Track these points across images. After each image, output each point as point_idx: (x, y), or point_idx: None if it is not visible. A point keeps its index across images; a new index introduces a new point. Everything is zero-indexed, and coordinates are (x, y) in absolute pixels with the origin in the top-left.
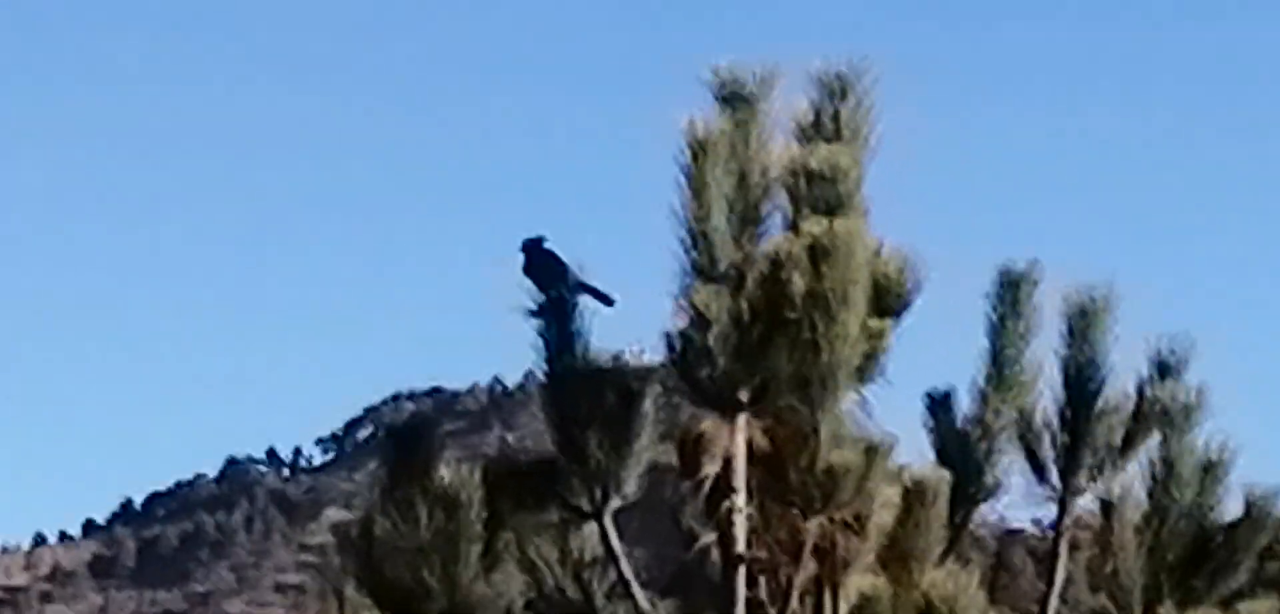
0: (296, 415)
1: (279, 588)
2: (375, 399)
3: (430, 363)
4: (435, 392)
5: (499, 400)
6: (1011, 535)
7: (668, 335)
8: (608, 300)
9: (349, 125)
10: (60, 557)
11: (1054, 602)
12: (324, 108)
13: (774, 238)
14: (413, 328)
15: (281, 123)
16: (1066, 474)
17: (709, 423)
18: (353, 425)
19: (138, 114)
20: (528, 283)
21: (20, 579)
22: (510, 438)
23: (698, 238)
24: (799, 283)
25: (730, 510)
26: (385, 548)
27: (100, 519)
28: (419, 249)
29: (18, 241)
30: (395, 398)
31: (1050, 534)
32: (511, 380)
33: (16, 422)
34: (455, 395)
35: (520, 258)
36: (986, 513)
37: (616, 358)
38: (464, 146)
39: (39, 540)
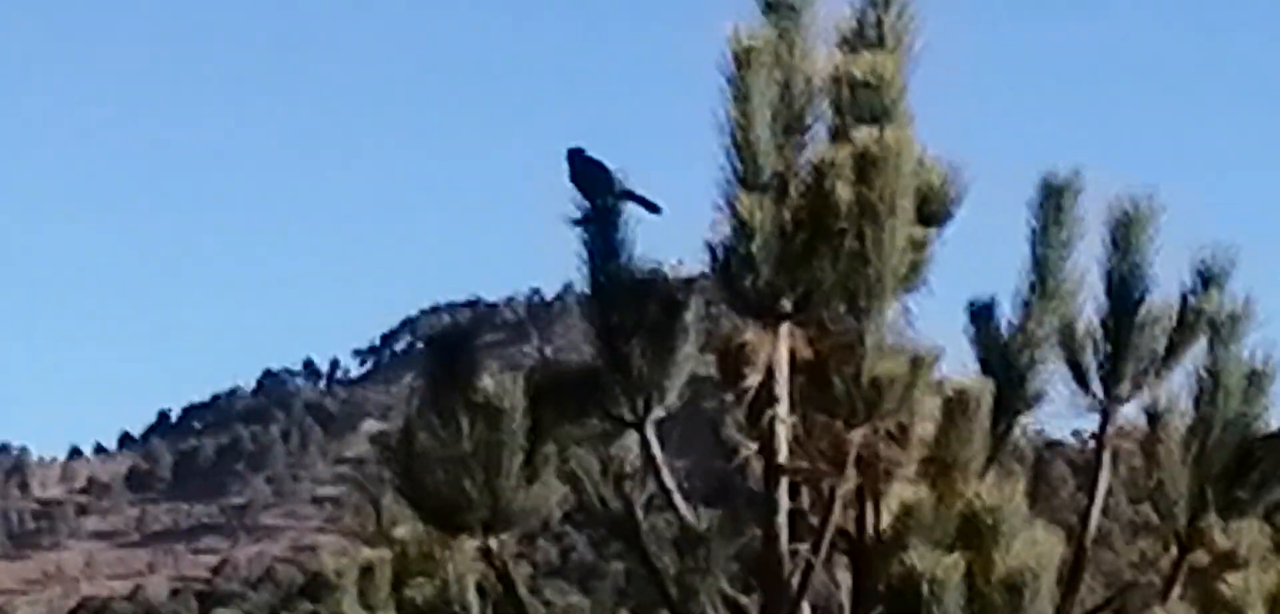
0: (333, 327)
1: (316, 500)
2: (412, 310)
3: (468, 274)
4: (473, 303)
5: (537, 311)
6: (1051, 447)
7: (710, 245)
8: (654, 207)
9: (389, 33)
10: (96, 469)
11: (1096, 512)
12: (366, 15)
13: (818, 146)
14: (450, 239)
15: (324, 31)
16: (1109, 384)
17: (752, 333)
18: (389, 337)
19: (182, 21)
20: (572, 191)
21: (56, 492)
22: (548, 350)
23: (741, 147)
24: (844, 192)
25: (773, 420)
26: (426, 458)
27: (136, 432)
28: (458, 159)
29: (51, 153)
30: (433, 309)
31: (1091, 445)
32: (550, 291)
33: (53, 335)
34: (493, 306)
35: (563, 167)
36: (1027, 425)
37: (656, 267)
38: (506, 55)
39: (75, 453)
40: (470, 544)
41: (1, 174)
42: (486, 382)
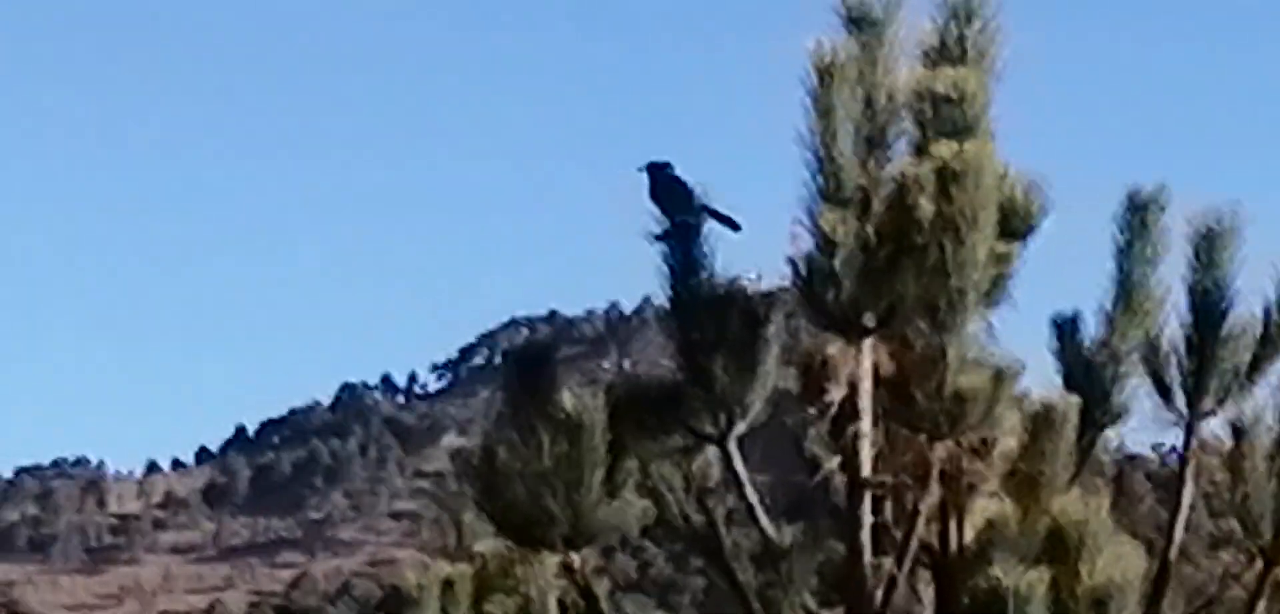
0: (411, 341)
1: (393, 515)
2: (491, 324)
3: (546, 288)
4: (552, 317)
5: (615, 326)
6: (1131, 461)
7: (792, 259)
8: (734, 225)
9: (472, 48)
10: (174, 484)
11: (1181, 526)
12: (448, 29)
13: (900, 161)
14: (529, 253)
15: (405, 44)
16: (1193, 398)
17: (834, 347)
18: (468, 351)
19: (270, 41)
20: (652, 207)
21: (133, 507)
22: (627, 364)
23: (824, 162)
24: (926, 207)
25: (856, 435)
26: (507, 474)
27: (214, 447)
28: (538, 174)
29: (134, 167)
30: (511, 323)
31: (1172, 460)
32: (629, 306)
33: (131, 349)
34: (572, 321)
35: (644, 182)
36: (1107, 438)
37: (735, 281)
38: (586, 70)
39: (152, 468)
40: (551, 559)
41: (82, 189)
42: (567, 397)
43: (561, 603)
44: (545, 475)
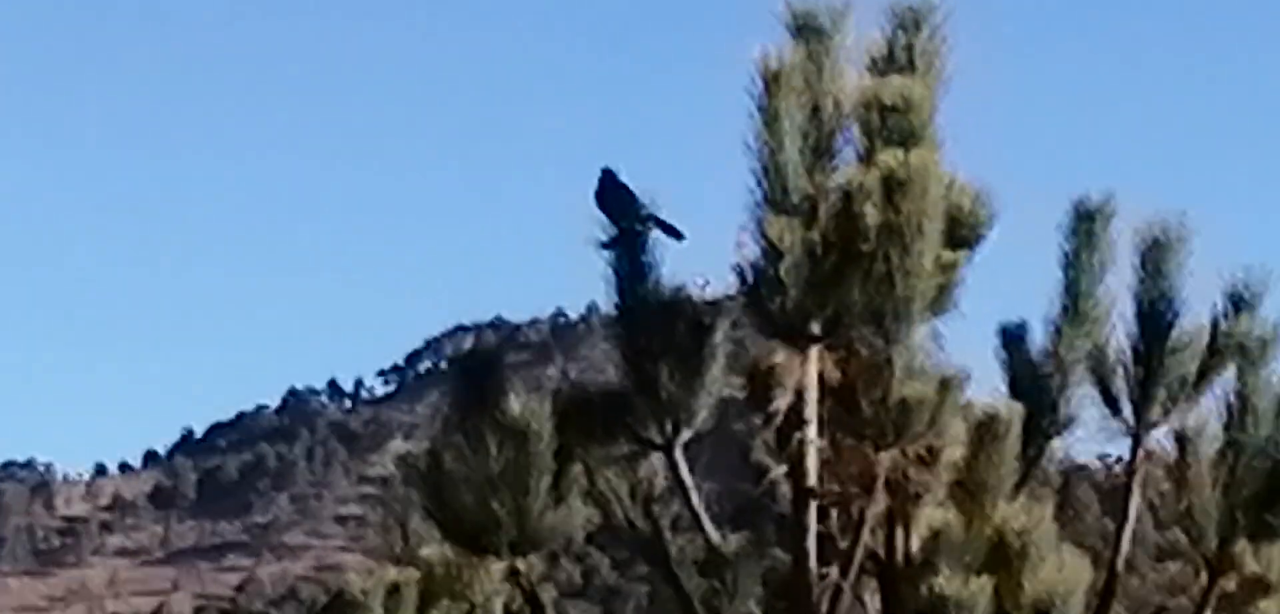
0: (357, 346)
1: (339, 519)
2: (436, 331)
3: (492, 294)
4: (497, 324)
5: (560, 332)
6: (1077, 471)
7: (739, 267)
8: (678, 234)
9: (413, 50)
10: (121, 487)
11: (1127, 537)
12: (389, 31)
13: (847, 170)
14: (474, 259)
15: (346, 48)
16: (1140, 409)
17: (780, 355)
18: (414, 357)
19: (204, 39)
20: (595, 213)
21: (81, 509)
22: (571, 371)
23: (770, 170)
24: (872, 215)
25: (801, 443)
26: (454, 480)
27: (161, 450)
28: (482, 180)
29: (84, 168)
30: (457, 330)
31: (1118, 470)
32: (573, 313)
33: (79, 351)
34: (516, 327)
35: (591, 189)
36: (1053, 448)
37: (681, 289)
38: (533, 76)
39: (100, 471)
40: (498, 565)
41: (28, 192)
42: (514, 403)
43: (507, 609)
44: (492, 481)
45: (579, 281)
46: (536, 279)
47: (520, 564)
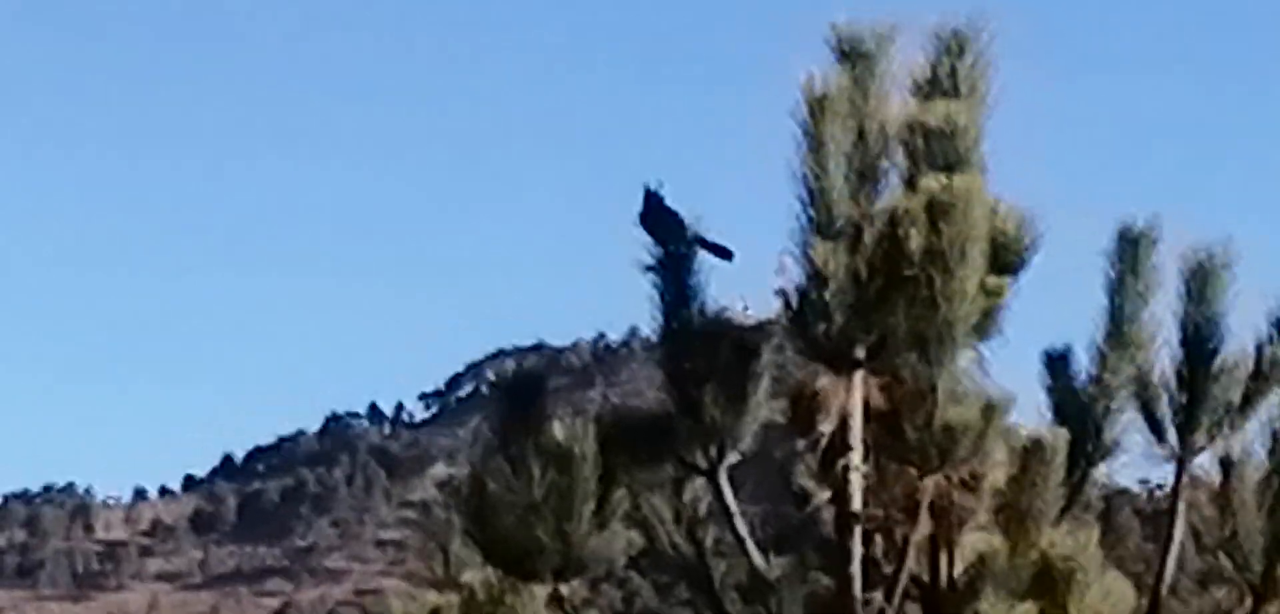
0: (398, 371)
1: (379, 543)
2: (477, 355)
3: (533, 319)
4: (538, 348)
5: (602, 356)
6: (1119, 495)
7: (783, 291)
8: (727, 254)
9: (457, 74)
10: (160, 511)
11: (1172, 562)
12: (432, 55)
13: (891, 194)
14: (515, 284)
15: (390, 72)
16: (1184, 433)
17: (825, 380)
18: (454, 381)
19: (246, 65)
20: (640, 237)
21: (121, 533)
22: (613, 395)
23: (815, 194)
24: (916, 239)
25: (846, 468)
26: (496, 503)
27: (201, 474)
28: (524, 204)
29: (123, 190)
30: (498, 354)
31: (1161, 494)
32: (615, 337)
33: (119, 376)
34: (558, 352)
35: (634, 211)
36: (1095, 473)
37: (720, 313)
38: (578, 101)
39: (139, 495)
40: (541, 591)
41: (68, 214)
42: (558, 427)
43: None
44: (535, 506)
45: (620, 305)
46: (578, 303)
47: (563, 589)
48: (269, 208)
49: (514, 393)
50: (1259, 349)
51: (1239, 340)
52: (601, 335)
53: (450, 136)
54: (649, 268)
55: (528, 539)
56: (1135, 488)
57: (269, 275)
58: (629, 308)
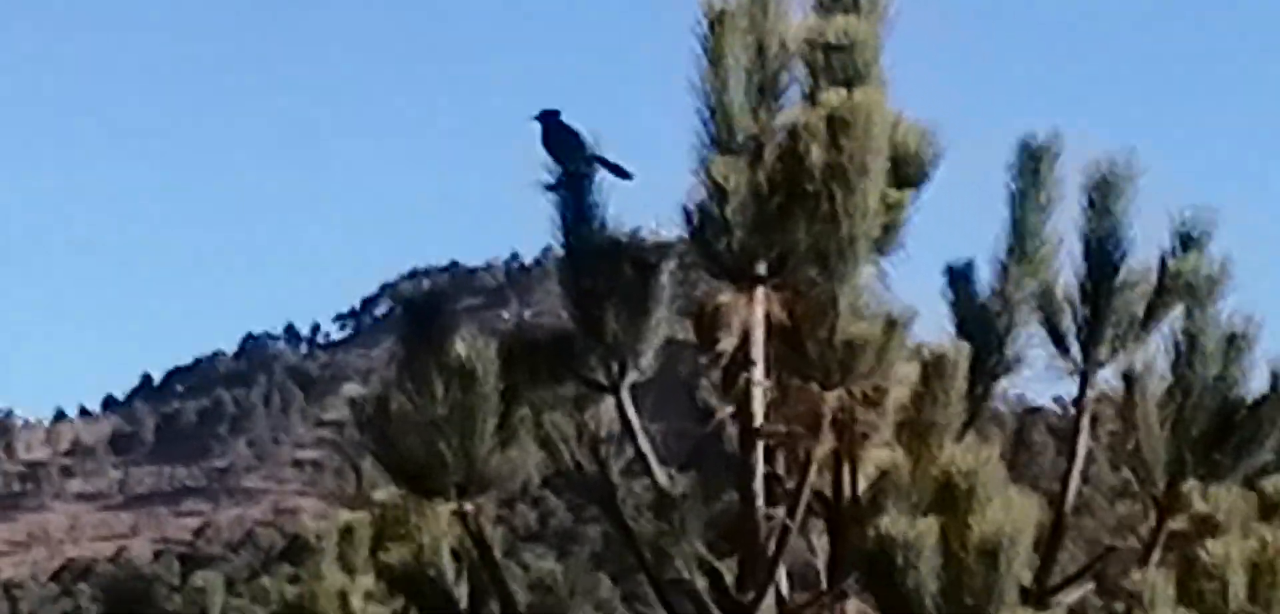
0: (314, 292)
1: (297, 463)
2: (392, 275)
3: (447, 239)
4: (452, 267)
5: (515, 276)
6: (1031, 413)
7: (685, 208)
8: (625, 173)
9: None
10: (80, 432)
11: (1076, 477)
12: None
13: (792, 110)
14: (430, 204)
15: None
16: (1088, 347)
17: (726, 296)
18: (370, 301)
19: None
20: (545, 157)
21: (41, 454)
22: (527, 314)
23: (715, 110)
24: (817, 155)
25: (748, 384)
26: (401, 422)
27: (120, 395)
28: (435, 124)
29: (41, 114)
30: (412, 274)
31: (1071, 411)
32: (529, 256)
33: (37, 299)
34: (472, 271)
35: (537, 131)
36: (1006, 390)
37: (633, 233)
38: (479, 19)
39: (59, 416)
40: (445, 508)
41: None
42: (460, 345)
43: (455, 552)
44: (438, 424)
45: (533, 225)
46: (492, 223)
47: (468, 506)
48: (186, 130)
49: (419, 312)
50: (1162, 262)
51: (1142, 254)
52: (515, 254)
53: (359, 57)
54: (549, 188)
55: (431, 456)
56: (1049, 406)
57: (186, 195)
58: (542, 227)
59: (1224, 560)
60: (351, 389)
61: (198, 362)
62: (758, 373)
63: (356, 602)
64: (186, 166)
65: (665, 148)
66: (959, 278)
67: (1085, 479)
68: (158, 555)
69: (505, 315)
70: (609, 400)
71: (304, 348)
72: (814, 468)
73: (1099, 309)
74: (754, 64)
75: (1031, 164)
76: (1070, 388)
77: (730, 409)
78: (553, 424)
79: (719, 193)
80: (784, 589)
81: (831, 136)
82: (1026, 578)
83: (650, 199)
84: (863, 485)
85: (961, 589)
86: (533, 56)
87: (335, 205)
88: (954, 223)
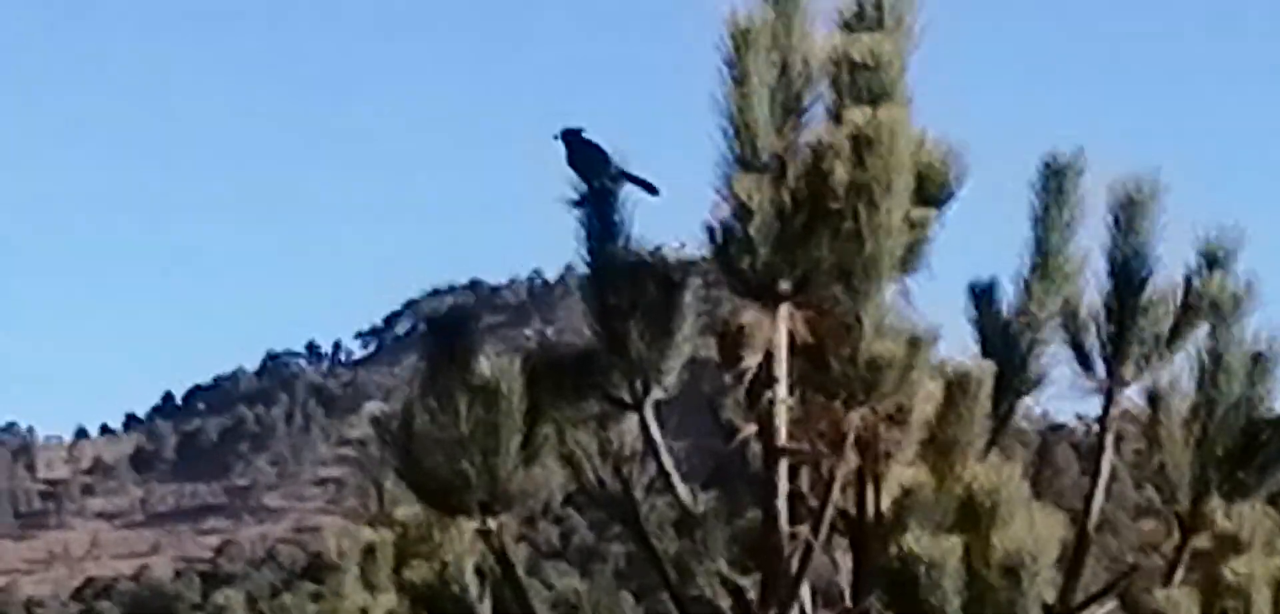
0: (336, 309)
1: (318, 481)
2: (415, 293)
3: (470, 257)
4: (475, 285)
5: (538, 294)
6: (1055, 430)
7: (709, 226)
8: (652, 189)
9: (391, 17)
10: (102, 450)
11: (1099, 494)
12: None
13: (816, 128)
14: (452, 222)
15: (326, 16)
16: (1112, 366)
17: (750, 314)
18: (392, 319)
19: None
20: (569, 174)
21: (62, 472)
22: (549, 331)
23: (739, 128)
24: (841, 173)
25: (771, 402)
26: (425, 440)
27: (141, 413)
28: (459, 142)
29: (58, 139)
30: (435, 292)
31: (1095, 428)
32: (551, 274)
33: (60, 317)
34: (495, 289)
35: (561, 149)
36: (1030, 408)
37: (656, 249)
38: (505, 36)
39: (81, 434)
40: (469, 526)
41: (10, 161)
42: (484, 363)
43: (479, 569)
44: (462, 441)
45: (556, 242)
46: (515, 241)
47: (491, 524)
48: (211, 147)
49: (443, 329)
50: (1187, 281)
51: (1167, 272)
52: (537, 272)
53: (385, 75)
54: (574, 204)
55: (454, 474)
56: (1073, 423)
57: (210, 214)
58: (564, 244)
59: (1248, 579)
60: (374, 407)
61: (219, 380)
62: (781, 391)
63: None
64: (209, 184)
65: (689, 165)
66: (983, 296)
67: (1109, 497)
68: (179, 574)
69: (528, 333)
70: (632, 418)
71: (326, 366)
72: (837, 486)
73: (1124, 327)
74: (778, 81)
75: (1055, 182)
76: (1094, 406)
77: (753, 427)
78: (576, 442)
79: (743, 210)
80: (807, 607)
81: (856, 154)
82: (1049, 596)
83: (674, 217)
84: (886, 503)
85: (985, 607)
86: (556, 74)
87: (357, 224)
88: (978, 241)
